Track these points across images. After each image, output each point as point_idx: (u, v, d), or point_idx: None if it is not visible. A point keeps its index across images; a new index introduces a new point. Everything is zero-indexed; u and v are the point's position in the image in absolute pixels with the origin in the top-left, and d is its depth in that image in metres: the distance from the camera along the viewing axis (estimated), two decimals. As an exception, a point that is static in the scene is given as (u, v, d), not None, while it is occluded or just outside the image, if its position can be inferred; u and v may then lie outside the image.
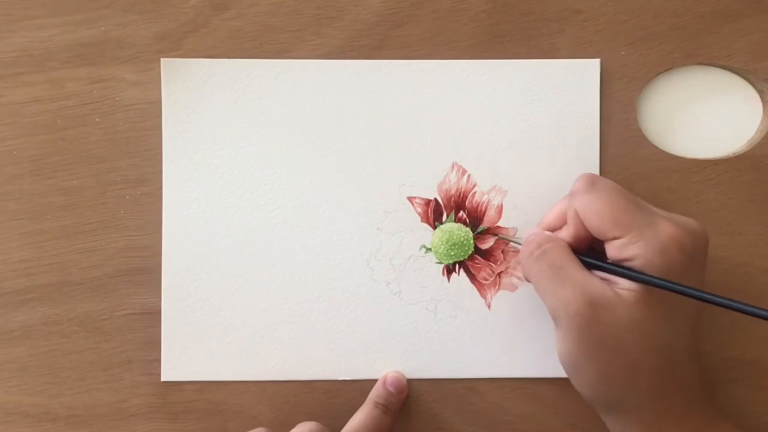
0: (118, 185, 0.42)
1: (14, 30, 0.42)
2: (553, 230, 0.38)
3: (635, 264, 0.34)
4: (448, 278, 0.42)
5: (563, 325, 0.35)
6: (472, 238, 0.42)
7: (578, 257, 0.36)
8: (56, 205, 0.42)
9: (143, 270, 0.42)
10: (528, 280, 0.38)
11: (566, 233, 0.37)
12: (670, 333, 0.35)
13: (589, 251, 0.37)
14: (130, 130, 0.42)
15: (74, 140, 0.42)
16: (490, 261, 0.42)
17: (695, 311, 0.36)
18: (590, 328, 0.34)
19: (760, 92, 0.43)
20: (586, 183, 0.36)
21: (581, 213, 0.35)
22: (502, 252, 0.42)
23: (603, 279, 0.35)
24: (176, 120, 0.42)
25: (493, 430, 0.42)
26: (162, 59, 0.42)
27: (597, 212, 0.35)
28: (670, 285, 0.33)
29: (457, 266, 0.42)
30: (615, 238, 0.34)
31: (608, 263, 0.35)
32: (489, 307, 0.42)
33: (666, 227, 0.34)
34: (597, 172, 0.42)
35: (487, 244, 0.42)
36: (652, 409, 0.35)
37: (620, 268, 0.34)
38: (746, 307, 0.31)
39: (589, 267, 0.36)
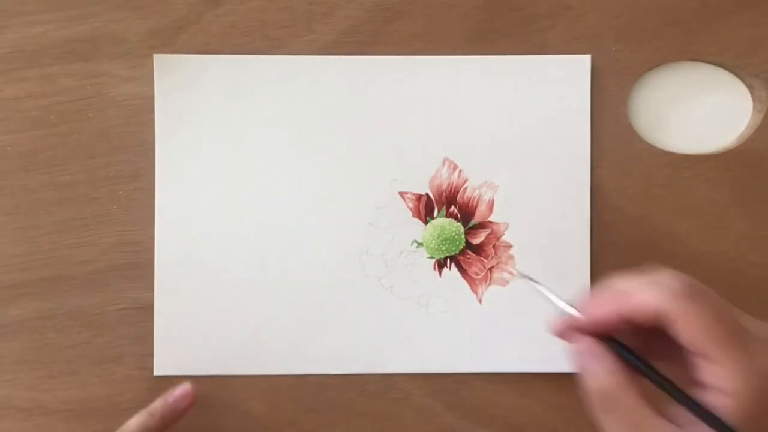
0: (111, 180, 0.42)
1: (7, 26, 0.42)
2: (600, 322, 0.32)
3: (726, 399, 0.29)
4: (440, 273, 0.42)
5: None
6: (464, 233, 0.42)
7: (661, 380, 0.31)
8: (49, 200, 0.42)
9: (136, 265, 0.42)
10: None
11: (620, 320, 0.31)
12: None
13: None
14: (123, 125, 0.42)
15: (67, 135, 0.42)
16: (481, 256, 0.42)
17: None
18: None
19: (750, 88, 0.43)
20: (687, 285, 0.31)
21: (676, 319, 0.30)
22: (494, 247, 0.42)
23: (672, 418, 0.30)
24: (169, 115, 0.42)
25: (485, 424, 0.43)
26: (155, 55, 0.42)
27: (698, 326, 0.30)
28: None
29: (448, 261, 0.42)
30: (709, 361, 0.30)
31: (692, 402, 0.30)
32: (480, 301, 0.42)
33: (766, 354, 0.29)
34: (588, 167, 0.42)
35: (479, 239, 0.42)
36: None
37: (709, 416, 0.29)
38: None
39: (661, 387, 0.31)
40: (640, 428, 0.30)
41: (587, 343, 0.32)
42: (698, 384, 0.30)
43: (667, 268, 0.31)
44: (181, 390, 0.41)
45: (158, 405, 0.40)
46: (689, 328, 0.30)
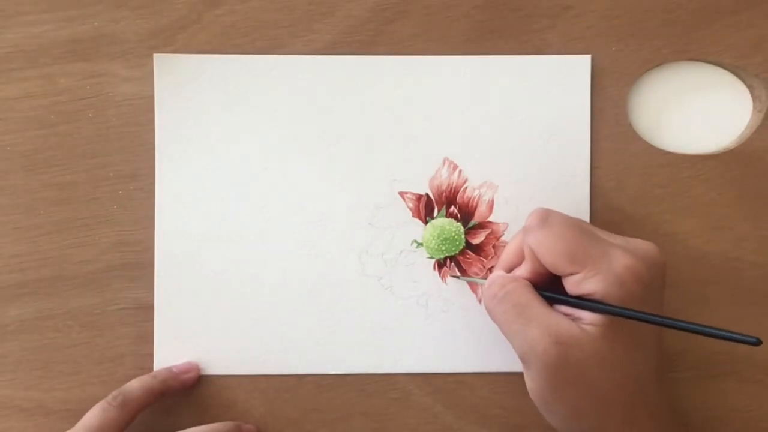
0: (111, 180, 0.42)
1: (7, 26, 0.42)
2: (512, 268, 0.38)
3: (594, 299, 0.34)
4: (440, 273, 0.42)
5: (532, 365, 0.34)
6: (463, 233, 0.42)
7: (541, 294, 0.36)
8: (49, 200, 0.42)
9: (136, 265, 0.42)
10: (493, 318, 0.37)
11: (524, 270, 0.37)
12: (638, 362, 0.35)
13: (551, 285, 0.36)
14: (123, 125, 0.42)
15: (67, 135, 0.42)
16: (481, 256, 0.42)
17: (657, 337, 0.37)
18: (559, 367, 0.34)
19: (750, 88, 0.43)
20: (539, 219, 0.36)
21: (535, 249, 0.35)
22: (493, 247, 0.42)
23: (567, 314, 0.35)
24: (169, 115, 0.42)
25: (484, 424, 0.43)
26: (155, 55, 0.42)
27: (550, 248, 0.35)
28: (632, 313, 0.33)
29: (448, 261, 0.42)
30: (571, 274, 0.34)
31: (570, 297, 0.35)
32: (480, 302, 0.42)
33: (621, 258, 0.34)
34: (588, 167, 0.42)
35: (478, 239, 0.42)
36: None
37: (582, 302, 0.34)
38: (705, 329, 0.31)
39: (552, 302, 0.36)
40: (526, 308, 0.35)
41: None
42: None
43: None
44: (186, 364, 0.42)
45: (162, 370, 0.41)
46: (545, 253, 0.35)
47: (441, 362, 0.42)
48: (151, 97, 0.42)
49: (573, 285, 0.34)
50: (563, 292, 0.36)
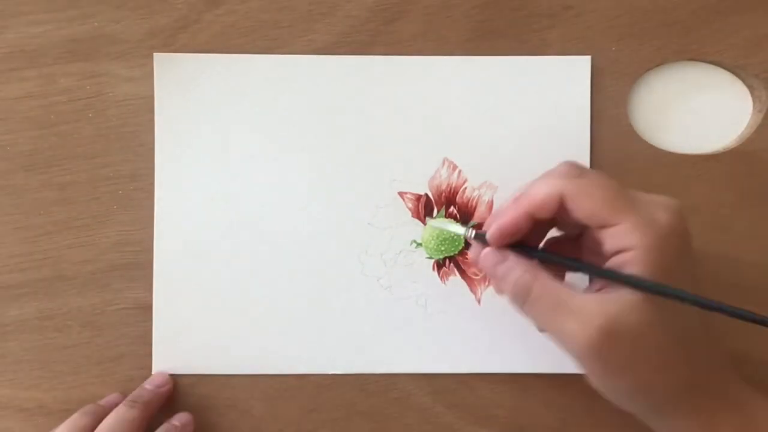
0: (111, 180, 0.42)
1: (7, 26, 0.42)
2: (509, 228, 0.34)
3: (634, 254, 0.32)
4: (439, 273, 0.42)
5: (583, 359, 0.33)
6: (463, 233, 0.42)
7: (571, 263, 0.35)
8: (49, 200, 0.42)
9: (136, 265, 0.42)
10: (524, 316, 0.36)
11: (526, 216, 0.34)
12: (685, 318, 0.33)
13: (534, 233, 0.35)
14: (122, 125, 0.42)
15: (67, 136, 0.42)
16: (480, 256, 0.42)
17: (696, 291, 0.34)
18: (609, 352, 0.32)
19: (750, 88, 0.43)
20: (576, 167, 0.34)
21: (571, 197, 0.33)
22: (493, 247, 0.42)
23: (598, 288, 0.33)
24: (169, 115, 0.42)
25: (485, 424, 0.43)
26: (155, 54, 0.42)
27: (592, 195, 0.33)
28: (666, 290, 0.31)
29: (447, 261, 0.42)
30: (610, 225, 0.32)
31: (600, 269, 0.33)
32: (479, 302, 0.42)
33: (662, 214, 0.32)
34: (588, 167, 0.42)
35: (478, 239, 0.42)
36: (695, 400, 0.34)
37: (613, 274, 0.32)
38: (746, 314, 0.31)
39: (575, 270, 0.35)
40: (559, 305, 0.33)
41: (498, 253, 0.35)
42: (604, 258, 0.33)
43: None
44: (159, 375, 0.42)
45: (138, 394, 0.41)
46: (585, 201, 0.33)
47: (441, 362, 0.42)
48: (151, 97, 0.42)
49: (611, 238, 0.32)
50: (586, 263, 0.34)
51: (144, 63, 0.42)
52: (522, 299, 0.34)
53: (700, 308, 0.32)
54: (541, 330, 0.35)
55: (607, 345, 0.32)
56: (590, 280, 0.36)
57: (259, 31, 0.42)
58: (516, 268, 0.34)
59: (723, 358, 0.36)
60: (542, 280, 0.34)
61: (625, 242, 0.32)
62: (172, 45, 0.42)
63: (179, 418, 0.42)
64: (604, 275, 0.33)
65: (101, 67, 0.42)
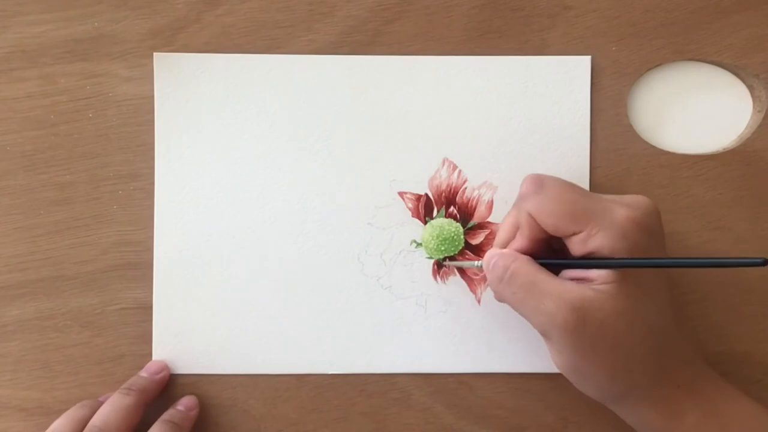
0: (111, 180, 0.42)
1: (7, 25, 0.42)
2: (508, 244, 0.37)
3: (601, 255, 0.34)
4: (438, 273, 0.42)
5: (555, 337, 0.34)
6: (463, 233, 0.42)
7: (546, 263, 0.36)
8: (49, 200, 0.42)
9: (136, 265, 0.42)
10: (504, 301, 0.37)
11: (520, 241, 0.36)
12: (655, 314, 0.35)
13: (549, 250, 0.36)
14: (123, 125, 0.42)
15: (67, 135, 0.42)
16: (480, 256, 0.42)
17: (668, 288, 0.37)
18: (582, 333, 0.34)
19: (750, 88, 0.43)
20: (534, 184, 0.36)
21: (535, 215, 0.35)
22: (493, 247, 0.42)
23: (576, 279, 0.35)
24: (169, 115, 0.42)
25: (485, 424, 0.43)
26: (155, 54, 0.42)
27: (551, 211, 0.35)
28: (643, 261, 0.33)
29: (447, 261, 0.42)
30: (574, 234, 0.34)
31: (578, 260, 0.35)
32: (479, 302, 0.42)
33: (621, 211, 0.34)
34: (587, 167, 0.42)
35: (478, 239, 0.42)
36: (661, 390, 0.35)
37: (591, 261, 0.34)
38: (714, 261, 0.32)
39: (559, 270, 0.36)
40: (536, 284, 0.34)
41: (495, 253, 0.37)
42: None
43: None
44: (155, 363, 0.42)
45: (136, 381, 0.41)
46: (546, 217, 0.35)
47: (441, 362, 0.42)
48: (151, 97, 0.42)
49: (578, 244, 0.34)
50: (568, 258, 0.35)
51: (144, 63, 0.42)
52: (498, 276, 0.36)
53: (683, 268, 0.34)
54: (505, 302, 0.37)
55: (582, 326, 0.33)
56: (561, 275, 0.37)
57: (259, 31, 0.42)
58: (497, 254, 0.37)
59: (693, 354, 0.37)
60: (521, 260, 0.36)
61: (589, 247, 0.34)
62: (172, 45, 0.42)
63: (184, 403, 0.42)
64: (588, 265, 0.35)
65: (101, 67, 0.42)
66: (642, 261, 0.34)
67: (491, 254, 0.37)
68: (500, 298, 0.37)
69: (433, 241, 0.42)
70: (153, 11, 0.42)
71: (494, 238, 0.42)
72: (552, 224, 0.35)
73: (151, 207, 0.42)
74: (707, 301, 0.43)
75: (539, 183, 0.36)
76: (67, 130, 0.42)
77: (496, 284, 0.37)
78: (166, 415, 0.41)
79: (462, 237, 0.42)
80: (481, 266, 0.38)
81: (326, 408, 0.43)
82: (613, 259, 0.34)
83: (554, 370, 0.42)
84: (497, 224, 0.42)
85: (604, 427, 0.42)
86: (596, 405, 0.42)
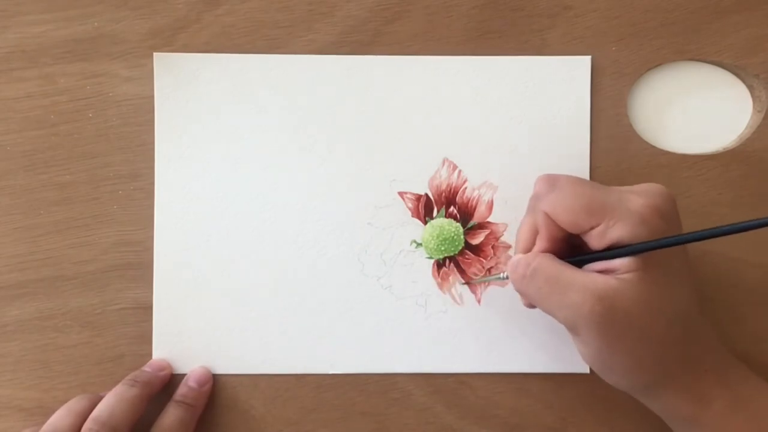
0: (111, 180, 0.42)
1: (7, 26, 0.42)
2: (530, 249, 0.37)
3: (623, 245, 0.34)
4: (438, 273, 0.42)
5: (582, 329, 0.34)
6: (463, 233, 0.42)
7: (567, 261, 0.35)
8: (49, 200, 0.42)
9: (136, 265, 0.42)
10: (531, 305, 0.37)
11: (541, 243, 0.36)
12: (680, 299, 0.35)
13: (570, 249, 0.36)
14: (123, 125, 0.42)
15: (67, 135, 0.42)
16: (480, 256, 0.42)
17: (690, 273, 0.36)
18: (609, 322, 0.33)
19: (750, 88, 0.43)
20: (547, 183, 0.36)
21: (552, 213, 0.35)
22: (492, 247, 0.42)
23: (600, 272, 0.35)
24: (169, 115, 0.42)
25: (485, 424, 0.43)
26: (155, 53, 0.42)
27: (567, 207, 0.35)
28: (665, 241, 0.33)
29: (447, 261, 0.42)
30: (592, 228, 0.34)
31: (600, 252, 0.35)
32: (479, 302, 0.42)
33: (636, 200, 0.34)
34: (587, 167, 0.42)
35: (478, 239, 0.42)
36: (689, 377, 0.35)
37: (612, 251, 0.34)
38: (734, 227, 0.32)
39: (581, 264, 0.36)
40: (560, 279, 0.34)
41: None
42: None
43: None
44: (159, 361, 0.42)
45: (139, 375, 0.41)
46: (562, 214, 0.35)
47: (441, 362, 0.42)
48: (151, 97, 0.42)
49: (597, 238, 0.34)
50: (589, 252, 0.35)
51: (144, 63, 0.42)
52: (521, 273, 0.36)
53: (707, 239, 0.33)
54: (531, 306, 0.37)
55: (609, 315, 0.33)
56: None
57: (259, 31, 0.42)
58: (526, 257, 0.36)
59: (717, 341, 0.37)
60: (543, 256, 0.36)
61: (609, 238, 0.34)
62: (172, 45, 0.42)
63: (195, 378, 0.41)
64: (610, 256, 0.34)
65: (101, 67, 0.42)
66: (661, 241, 0.33)
67: (515, 259, 0.37)
68: (525, 296, 0.37)
69: (433, 241, 0.42)
70: (153, 11, 0.42)
71: (494, 238, 0.42)
72: (569, 221, 0.35)
73: (151, 207, 0.42)
74: (707, 301, 0.43)
75: (552, 182, 0.36)
76: (67, 130, 0.42)
77: (519, 282, 0.36)
78: (178, 396, 0.40)
79: (462, 237, 0.42)
80: (507, 277, 0.38)
81: (326, 408, 0.43)
82: (636, 244, 0.33)
83: (554, 370, 0.42)
84: (497, 224, 0.42)
85: (603, 427, 0.42)
86: (596, 405, 0.42)
